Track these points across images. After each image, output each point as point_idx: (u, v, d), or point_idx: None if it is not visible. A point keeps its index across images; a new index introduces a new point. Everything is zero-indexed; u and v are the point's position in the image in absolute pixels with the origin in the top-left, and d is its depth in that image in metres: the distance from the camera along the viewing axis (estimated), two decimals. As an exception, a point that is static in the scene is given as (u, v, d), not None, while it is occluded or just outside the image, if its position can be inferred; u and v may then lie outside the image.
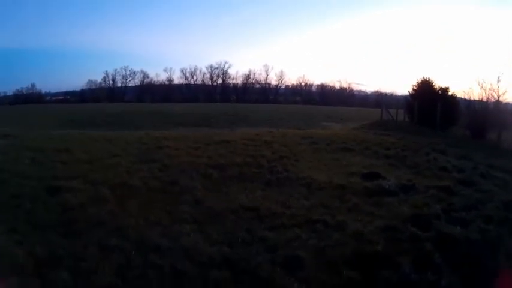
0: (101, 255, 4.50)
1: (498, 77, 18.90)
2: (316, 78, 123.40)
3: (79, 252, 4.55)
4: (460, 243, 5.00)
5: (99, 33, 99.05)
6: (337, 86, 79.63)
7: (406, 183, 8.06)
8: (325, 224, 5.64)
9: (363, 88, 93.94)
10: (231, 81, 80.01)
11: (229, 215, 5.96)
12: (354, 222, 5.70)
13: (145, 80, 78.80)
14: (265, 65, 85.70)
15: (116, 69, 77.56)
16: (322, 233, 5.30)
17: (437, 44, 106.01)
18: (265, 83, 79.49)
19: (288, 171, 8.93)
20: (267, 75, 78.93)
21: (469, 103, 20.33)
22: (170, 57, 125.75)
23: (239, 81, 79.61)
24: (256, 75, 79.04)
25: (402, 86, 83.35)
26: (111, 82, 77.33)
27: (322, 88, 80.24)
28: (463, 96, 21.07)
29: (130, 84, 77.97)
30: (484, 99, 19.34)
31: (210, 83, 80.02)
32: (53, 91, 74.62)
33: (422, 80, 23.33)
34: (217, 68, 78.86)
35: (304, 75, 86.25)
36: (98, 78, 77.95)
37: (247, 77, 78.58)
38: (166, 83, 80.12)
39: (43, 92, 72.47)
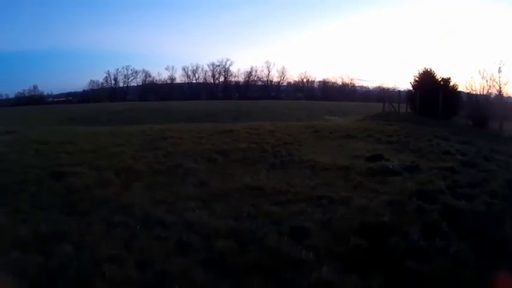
0: (106, 230, 4.50)
1: (499, 68, 18.76)
2: (318, 74, 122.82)
3: (83, 229, 4.55)
4: (466, 215, 4.98)
5: (101, 33, 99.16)
6: (339, 81, 79.45)
7: (410, 164, 8.06)
8: (330, 199, 5.62)
9: (365, 84, 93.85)
10: (232, 79, 79.95)
11: (234, 193, 5.95)
12: (359, 198, 5.69)
13: (147, 79, 78.81)
14: (267, 62, 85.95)
15: (117, 69, 77.49)
16: (327, 208, 5.28)
17: (438, 40, 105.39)
18: (267, 80, 79.42)
19: (291, 155, 8.93)
20: (269, 71, 78.82)
21: (471, 96, 20.19)
22: (172, 56, 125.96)
23: (241, 78, 79.53)
24: (258, 72, 78.97)
25: (404, 82, 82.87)
26: (113, 82, 77.38)
27: (324, 84, 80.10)
28: (464, 89, 20.96)
29: (132, 84, 78.01)
30: (486, 90, 19.22)
31: (212, 81, 79.93)
32: (55, 92, 74.68)
33: (423, 71, 23.21)
34: (218, 65, 78.75)
35: (306, 72, 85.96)
36: (100, 78, 77.98)
37: (249, 74, 78.49)
38: (168, 81, 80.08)
39: (45, 93, 72.44)
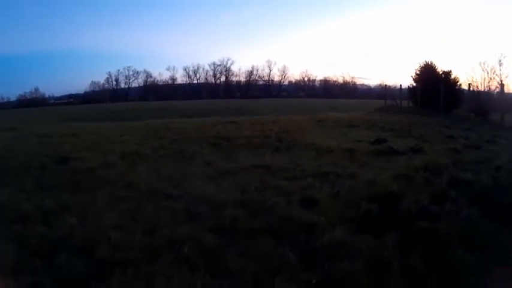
0: (111, 204, 4.47)
1: (500, 60, 18.65)
2: (319, 73, 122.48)
3: (88, 203, 4.52)
4: (474, 185, 4.93)
5: (101, 34, 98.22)
6: (340, 80, 79.27)
7: (414, 146, 8.04)
8: (337, 175, 5.59)
9: (366, 82, 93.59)
10: (234, 78, 79.80)
11: (240, 171, 5.93)
12: (365, 173, 5.66)
13: (149, 80, 78.61)
14: (268, 61, 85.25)
15: (118, 70, 77.21)
16: (334, 182, 5.24)
17: (439, 36, 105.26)
18: (269, 79, 79.33)
19: (295, 140, 8.92)
20: (270, 70, 78.66)
21: (472, 91, 20.06)
22: (173, 56, 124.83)
23: (242, 78, 79.36)
24: (259, 72, 78.84)
25: (405, 80, 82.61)
26: (114, 83, 77.30)
27: (325, 83, 79.95)
28: (466, 82, 20.81)
29: (133, 85, 77.87)
30: (487, 83, 19.08)
31: (213, 80, 79.81)
32: (56, 94, 74.32)
33: (424, 64, 23.12)
34: (219, 65, 78.57)
35: (307, 70, 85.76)
36: (101, 79, 77.87)
37: (250, 73, 78.40)
38: (170, 82, 79.94)
39: (46, 95, 72.28)
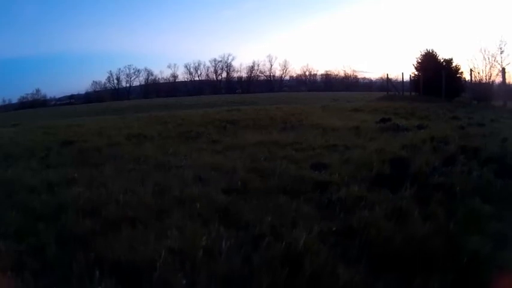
0: (119, 174, 4.46)
1: (500, 48, 18.49)
2: (320, 67, 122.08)
3: (95, 175, 4.49)
4: (482, 151, 4.93)
5: (101, 34, 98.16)
6: (342, 73, 79.04)
7: (419, 124, 8.04)
8: (345, 147, 5.60)
9: (367, 75, 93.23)
10: (235, 74, 79.61)
11: (248, 146, 5.91)
12: (373, 145, 5.63)
13: (150, 78, 78.45)
14: (269, 56, 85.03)
15: (119, 69, 77.07)
16: (343, 152, 5.24)
17: (440, 28, 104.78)
18: (270, 74, 79.16)
19: (301, 121, 8.89)
20: (271, 65, 78.47)
21: (474, 80, 19.92)
22: (173, 54, 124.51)
23: (243, 73, 79.11)
24: (260, 67, 78.65)
25: (406, 72, 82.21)
26: (115, 82, 77.25)
27: (327, 76, 79.69)
28: (467, 69, 20.63)
29: (135, 83, 77.75)
30: (488, 70, 18.86)
31: (214, 77, 79.65)
32: (58, 95, 74.22)
33: (426, 52, 23.04)
34: (220, 61, 78.37)
35: (308, 65, 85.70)
36: (103, 79, 77.77)
37: (252, 68, 78.18)
38: (171, 79, 79.85)
39: (48, 96, 72.23)
